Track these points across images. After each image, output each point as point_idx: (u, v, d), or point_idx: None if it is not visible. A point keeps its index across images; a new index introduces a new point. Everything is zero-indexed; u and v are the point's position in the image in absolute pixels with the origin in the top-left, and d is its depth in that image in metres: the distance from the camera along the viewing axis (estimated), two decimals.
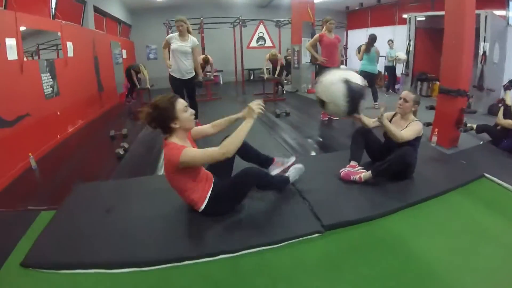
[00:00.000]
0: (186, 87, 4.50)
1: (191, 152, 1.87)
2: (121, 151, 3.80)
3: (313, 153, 3.76)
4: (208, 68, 7.60)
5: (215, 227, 2.04)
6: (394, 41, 7.75)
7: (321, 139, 4.36)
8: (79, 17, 6.21)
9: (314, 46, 5.12)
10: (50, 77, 4.38)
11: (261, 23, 8.79)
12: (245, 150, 2.36)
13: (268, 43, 8.93)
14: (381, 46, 8.07)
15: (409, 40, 7.03)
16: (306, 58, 8.35)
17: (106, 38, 7.39)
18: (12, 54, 3.45)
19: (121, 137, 4.59)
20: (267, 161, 2.57)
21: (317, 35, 5.06)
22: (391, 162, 2.43)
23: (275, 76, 7.54)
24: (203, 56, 7.50)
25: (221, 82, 10.55)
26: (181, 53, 4.30)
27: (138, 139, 4.55)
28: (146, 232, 2.02)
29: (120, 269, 1.73)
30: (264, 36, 8.96)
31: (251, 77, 10.92)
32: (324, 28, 5.07)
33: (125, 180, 3.02)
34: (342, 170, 2.63)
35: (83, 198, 2.55)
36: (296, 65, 8.38)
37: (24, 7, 3.94)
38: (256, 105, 1.97)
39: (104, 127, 5.12)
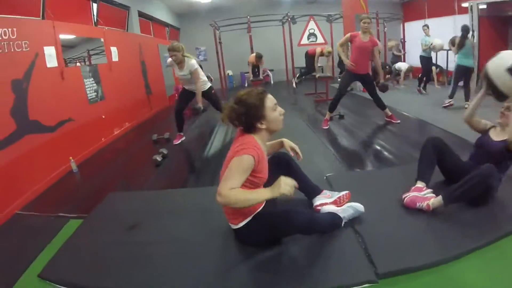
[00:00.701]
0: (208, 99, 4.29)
1: (245, 166, 1.52)
2: (159, 158, 3.59)
3: (369, 167, 3.12)
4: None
5: (247, 263, 1.67)
6: (456, 33, 6.81)
7: (379, 148, 3.65)
8: (124, 23, 6.27)
9: (344, 46, 4.55)
10: (94, 82, 4.42)
11: (311, 19, 8.32)
12: (294, 173, 1.98)
13: (320, 39, 8.39)
14: (444, 41, 7.27)
15: (472, 31, 6.11)
16: None
17: (154, 42, 7.44)
18: (51, 62, 3.51)
19: (163, 141, 4.46)
20: (315, 190, 2.11)
21: (348, 34, 4.39)
22: (469, 185, 1.85)
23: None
24: (255, 53, 7.35)
25: (272, 82, 10.21)
26: (183, 81, 4.08)
27: (181, 144, 4.35)
28: (163, 261, 1.73)
29: None
30: (315, 32, 8.43)
31: (303, 76, 10.40)
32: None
33: (157, 191, 2.77)
34: (406, 195, 2.07)
35: (112, 209, 2.38)
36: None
37: (64, 16, 4.02)
38: (286, 184, 1.49)
39: (151, 131, 5.01)
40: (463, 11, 6.91)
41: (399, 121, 4.43)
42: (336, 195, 2.07)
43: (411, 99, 6.34)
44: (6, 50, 2.86)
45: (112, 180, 3.33)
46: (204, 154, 3.97)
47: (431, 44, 6.45)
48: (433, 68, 7.24)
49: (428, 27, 6.77)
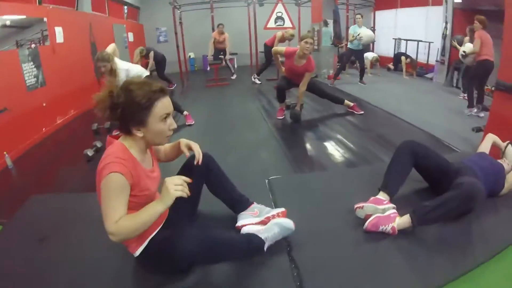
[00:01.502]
0: None
1: (112, 186, 1.17)
2: (90, 152, 3.27)
3: (323, 168, 2.87)
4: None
5: None
6: (428, 24, 6.83)
7: (339, 144, 3.36)
8: (73, 1, 5.72)
9: (276, 55, 4.22)
10: (33, 66, 4.02)
11: (280, 2, 8.06)
12: (217, 180, 1.69)
13: (288, 23, 8.03)
14: (414, 31, 7.21)
15: (446, 23, 6.20)
16: (327, 40, 7.61)
17: (108, 21, 6.94)
18: None
19: (104, 131, 4.14)
20: (241, 204, 1.72)
21: (283, 49, 4.07)
22: (446, 208, 1.55)
23: None
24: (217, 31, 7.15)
25: (235, 66, 9.93)
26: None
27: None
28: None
29: None
30: (282, 15, 8.06)
31: (263, 71, 10.12)
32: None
33: (80, 194, 2.32)
34: (360, 206, 1.70)
35: (30, 215, 2.07)
36: (315, 47, 7.35)
37: None
38: (174, 185, 1.19)
39: (97, 118, 4.67)
40: (437, 2, 6.90)
41: (362, 112, 4.35)
42: (266, 213, 1.68)
43: (379, 87, 6.34)
44: None
45: (44, 178, 3.07)
46: None
47: (358, 35, 6.23)
48: (403, 58, 7.27)
49: (361, 17, 6.47)
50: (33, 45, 4.10)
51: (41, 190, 2.63)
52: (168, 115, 1.28)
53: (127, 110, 1.21)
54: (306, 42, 3.74)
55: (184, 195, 1.20)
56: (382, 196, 1.74)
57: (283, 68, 4.22)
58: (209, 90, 6.80)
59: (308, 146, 3.54)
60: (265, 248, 1.47)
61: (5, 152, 3.24)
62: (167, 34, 9.82)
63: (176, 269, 1.39)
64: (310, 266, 1.43)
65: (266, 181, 2.23)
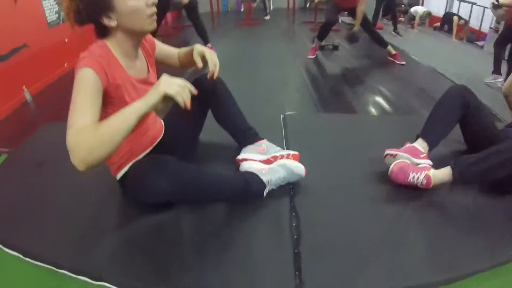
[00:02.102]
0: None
1: (80, 84, 0.93)
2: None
3: (350, 113, 2.54)
4: None
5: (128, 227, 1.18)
6: None
7: (372, 91, 3.07)
8: None
9: None
10: (55, 2, 3.94)
11: None
12: (224, 108, 1.45)
13: None
14: None
15: None
16: None
17: None
18: None
19: None
20: (248, 136, 1.46)
21: None
22: (498, 160, 1.16)
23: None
24: None
25: (271, 7, 9.26)
26: None
27: None
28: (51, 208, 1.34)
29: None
30: None
31: (307, 5, 9.32)
32: None
33: None
34: (390, 153, 1.38)
35: (35, 144, 2.06)
36: None
37: None
38: (172, 83, 0.93)
39: None
40: None
41: (403, 63, 3.92)
42: (274, 152, 1.41)
43: (424, 43, 5.64)
44: None
45: (61, 110, 3.03)
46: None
47: None
48: (455, 18, 6.32)
49: None
50: None
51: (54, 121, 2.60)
52: None
53: (86, 1, 0.97)
54: None
55: (179, 99, 0.91)
56: (419, 145, 1.38)
57: None
58: (240, 29, 6.45)
59: (337, 87, 3.22)
60: (264, 193, 1.24)
61: (23, 87, 3.28)
62: None
63: (153, 202, 1.17)
64: (312, 219, 1.19)
65: (282, 116, 1.94)
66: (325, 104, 2.69)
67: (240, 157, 1.43)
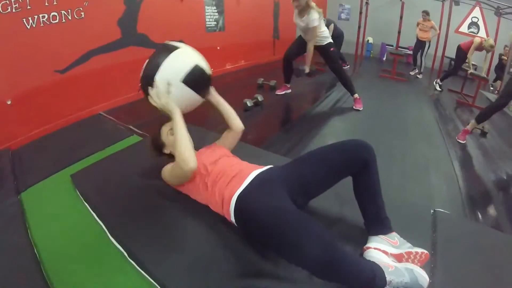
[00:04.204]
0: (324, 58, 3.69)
1: (165, 170, 1.50)
2: (250, 103, 3.32)
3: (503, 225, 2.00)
4: None
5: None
6: None
7: None
8: None
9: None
10: (216, 11, 4.29)
11: (478, 5, 6.55)
12: (369, 183, 1.30)
13: (482, 32, 6.56)
14: None
15: None
16: None
17: None
18: None
19: (267, 88, 4.19)
20: (381, 226, 1.29)
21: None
22: None
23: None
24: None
25: (424, 64, 8.65)
26: (301, 29, 3.52)
27: (283, 96, 3.98)
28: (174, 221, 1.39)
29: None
30: (478, 22, 6.67)
31: (448, 77, 8.50)
32: None
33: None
34: None
35: None
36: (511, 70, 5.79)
37: None
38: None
39: (263, 75, 4.65)
40: None
41: None
42: (407, 248, 1.22)
43: None
44: None
45: (199, 115, 3.21)
46: (302, 115, 3.50)
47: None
48: None
49: None
50: None
51: (190, 120, 2.72)
52: (172, 130, 1.47)
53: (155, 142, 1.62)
54: None
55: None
56: None
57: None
58: (382, 81, 6.04)
59: (491, 186, 2.52)
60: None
61: None
62: (350, 13, 9.24)
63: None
64: None
65: (431, 212, 1.61)
66: (474, 207, 2.13)
67: (369, 245, 1.24)
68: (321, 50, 3.54)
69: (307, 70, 3.55)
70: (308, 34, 3.36)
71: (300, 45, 3.62)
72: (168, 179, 1.45)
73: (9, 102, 2.28)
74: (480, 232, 1.53)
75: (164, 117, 1.45)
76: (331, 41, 3.58)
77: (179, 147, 1.28)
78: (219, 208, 1.28)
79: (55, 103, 2.58)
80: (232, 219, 1.23)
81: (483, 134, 3.53)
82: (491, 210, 2.20)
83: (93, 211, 1.49)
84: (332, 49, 3.56)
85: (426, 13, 6.36)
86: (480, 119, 3.24)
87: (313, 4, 3.28)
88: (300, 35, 3.67)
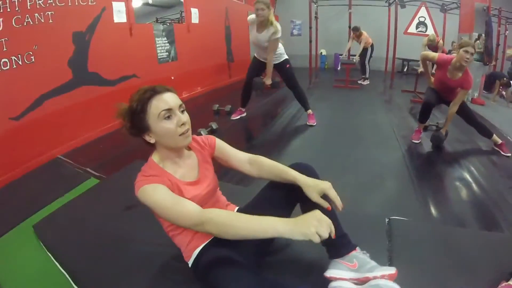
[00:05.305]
0: (280, 74, 3.72)
1: (158, 195, 1.03)
2: (203, 132, 3.28)
3: (464, 223, 2.03)
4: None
5: None
6: None
7: (483, 194, 2.38)
8: None
9: (425, 61, 3.38)
10: (167, 41, 4.33)
11: (423, 5, 7.11)
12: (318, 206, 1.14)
13: (430, 30, 7.11)
14: None
15: None
16: (476, 55, 6.34)
17: (244, 8, 7.02)
18: (119, 17, 3.48)
19: (224, 113, 4.20)
20: (339, 247, 1.21)
21: (436, 55, 3.21)
22: None
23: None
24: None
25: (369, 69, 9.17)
26: (256, 47, 3.57)
27: (238, 121, 3.99)
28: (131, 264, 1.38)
29: None
30: (425, 21, 7.24)
31: (405, 69, 9.11)
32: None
33: None
34: None
35: (128, 179, 2.21)
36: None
37: None
38: (322, 222, 0.91)
39: (219, 100, 4.70)
40: None
41: (509, 154, 3.12)
42: (367, 271, 1.14)
43: None
44: (70, 4, 2.92)
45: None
46: (257, 139, 3.52)
47: None
48: None
49: None
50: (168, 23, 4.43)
51: (146, 156, 2.73)
52: (169, 111, 1.08)
53: (133, 120, 1.11)
54: (467, 52, 2.89)
55: (317, 240, 0.89)
56: None
57: (432, 79, 3.41)
58: (337, 91, 6.26)
59: (444, 186, 2.61)
60: None
61: None
62: (301, 28, 9.67)
63: None
64: None
65: (386, 220, 1.63)
66: (430, 207, 2.18)
67: (328, 274, 1.18)
68: (278, 67, 3.60)
69: (268, 82, 3.59)
70: (269, 47, 3.39)
71: (258, 66, 3.70)
72: (157, 207, 1.04)
73: None
74: (440, 233, 1.60)
75: None
76: (287, 57, 3.66)
77: (235, 231, 0.97)
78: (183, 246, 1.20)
79: (13, 151, 2.52)
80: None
81: (438, 129, 3.57)
82: (451, 209, 2.23)
83: (56, 261, 1.50)
84: (288, 65, 3.64)
85: (355, 29, 6.65)
86: (421, 120, 3.49)
87: (273, 18, 3.33)
88: (255, 57, 3.73)
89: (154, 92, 1.09)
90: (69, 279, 1.38)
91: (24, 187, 2.44)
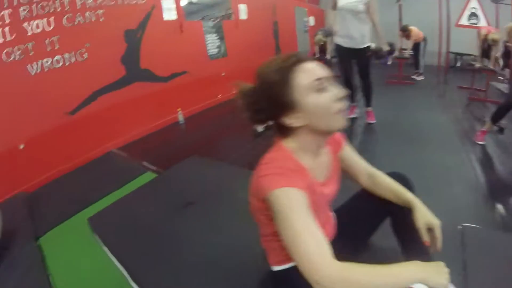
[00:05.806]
0: (357, 60, 3.36)
1: (294, 210, 0.76)
2: (260, 128, 3.24)
3: None
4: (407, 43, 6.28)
5: None
6: None
7: None
8: None
9: None
10: (217, 37, 4.36)
11: None
12: (407, 221, 1.03)
13: (482, 22, 6.57)
14: None
15: None
16: None
17: (290, 4, 6.93)
18: (169, 15, 3.56)
19: None
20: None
21: None
22: None
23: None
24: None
25: (423, 64, 8.61)
26: (349, 13, 3.10)
27: None
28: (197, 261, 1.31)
29: None
30: (477, 12, 6.65)
31: (457, 64, 8.37)
32: None
33: (236, 167, 2.21)
34: None
35: (186, 174, 2.12)
36: None
37: None
38: (444, 275, 0.78)
39: None
40: None
41: None
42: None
43: None
44: (119, 2, 3.00)
45: (208, 141, 3.25)
46: None
47: None
48: None
49: None
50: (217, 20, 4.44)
51: (201, 151, 2.75)
52: (321, 80, 0.83)
53: (270, 100, 0.86)
54: None
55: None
56: None
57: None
58: (390, 88, 5.93)
59: None
60: None
61: (178, 109, 3.61)
62: None
63: None
64: None
65: (459, 227, 1.52)
66: (505, 215, 1.97)
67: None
68: (359, 52, 3.26)
69: (386, 47, 3.45)
70: (370, 8, 3.09)
71: (348, 57, 3.37)
72: (284, 219, 0.77)
73: (21, 147, 2.34)
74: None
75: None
76: (370, 44, 3.29)
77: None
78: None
79: (67, 144, 2.64)
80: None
81: (501, 130, 3.28)
82: None
83: (114, 256, 1.45)
84: (369, 53, 3.33)
85: (403, 29, 6.30)
86: (494, 119, 3.11)
87: None
88: (338, 46, 3.34)
89: (298, 59, 0.85)
90: (127, 275, 1.32)
91: (79, 179, 2.49)
